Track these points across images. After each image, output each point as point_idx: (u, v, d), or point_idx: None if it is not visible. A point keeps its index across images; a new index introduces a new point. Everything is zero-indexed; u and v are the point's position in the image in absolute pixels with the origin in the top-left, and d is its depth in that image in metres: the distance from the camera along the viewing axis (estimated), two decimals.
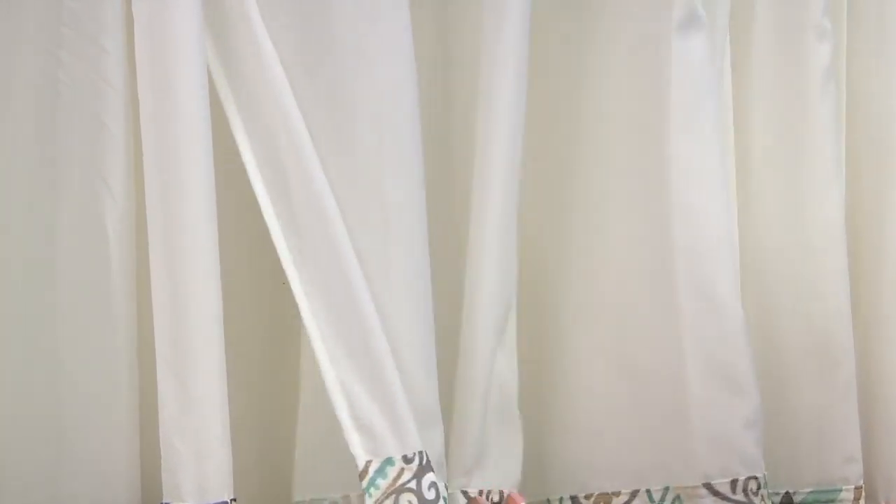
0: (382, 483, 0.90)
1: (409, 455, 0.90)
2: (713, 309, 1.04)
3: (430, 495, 0.90)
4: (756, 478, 1.02)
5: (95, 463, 0.91)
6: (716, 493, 1.02)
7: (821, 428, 1.08)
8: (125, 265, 0.92)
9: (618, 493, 1.01)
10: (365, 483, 0.90)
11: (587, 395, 1.05)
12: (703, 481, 1.02)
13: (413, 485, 0.90)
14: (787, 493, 1.08)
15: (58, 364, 0.91)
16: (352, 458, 0.94)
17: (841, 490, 1.06)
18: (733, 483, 1.02)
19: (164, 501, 0.88)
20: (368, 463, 0.90)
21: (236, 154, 0.94)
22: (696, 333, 1.03)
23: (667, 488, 1.04)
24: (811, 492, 1.07)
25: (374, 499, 0.90)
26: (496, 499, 0.96)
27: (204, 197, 0.89)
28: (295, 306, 0.95)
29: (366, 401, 0.90)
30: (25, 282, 0.92)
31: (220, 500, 0.88)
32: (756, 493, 1.02)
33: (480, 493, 0.96)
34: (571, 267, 1.07)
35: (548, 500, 1.04)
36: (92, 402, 0.91)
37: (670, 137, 1.03)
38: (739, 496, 1.02)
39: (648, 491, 1.03)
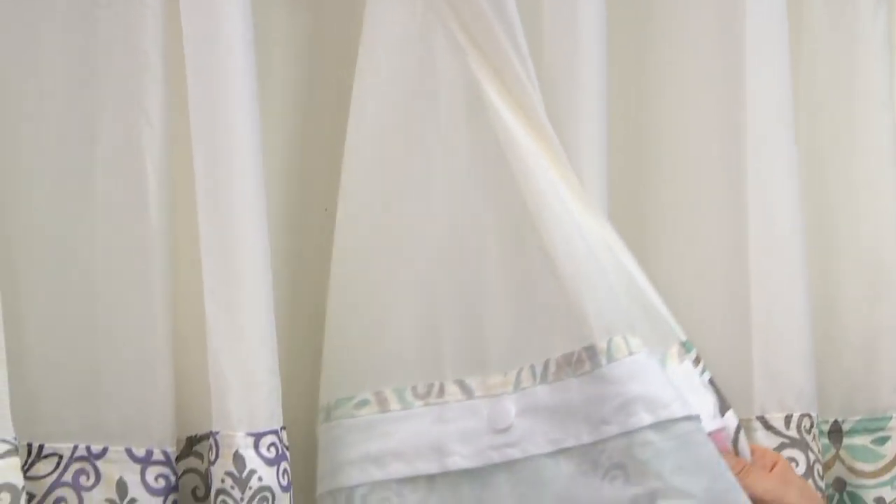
0: None
1: None
2: (777, 245, 1.03)
3: None
4: (810, 416, 1.02)
5: (129, 390, 0.90)
6: (769, 427, 1.02)
7: (870, 356, 1.07)
8: (163, 194, 0.91)
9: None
10: None
11: None
12: (758, 414, 1.02)
13: None
14: (835, 421, 1.08)
15: (93, 292, 0.90)
16: (380, 355, 0.97)
17: (891, 418, 1.05)
18: (787, 419, 1.02)
19: (213, 430, 0.89)
20: None
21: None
22: (761, 268, 1.03)
23: None
24: (860, 420, 1.07)
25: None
26: None
27: (250, 124, 0.89)
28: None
29: None
30: (62, 210, 0.90)
31: (271, 428, 0.89)
32: (808, 432, 1.02)
33: None
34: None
35: None
36: (126, 330, 0.90)
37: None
38: (793, 432, 1.02)
39: None
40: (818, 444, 1.03)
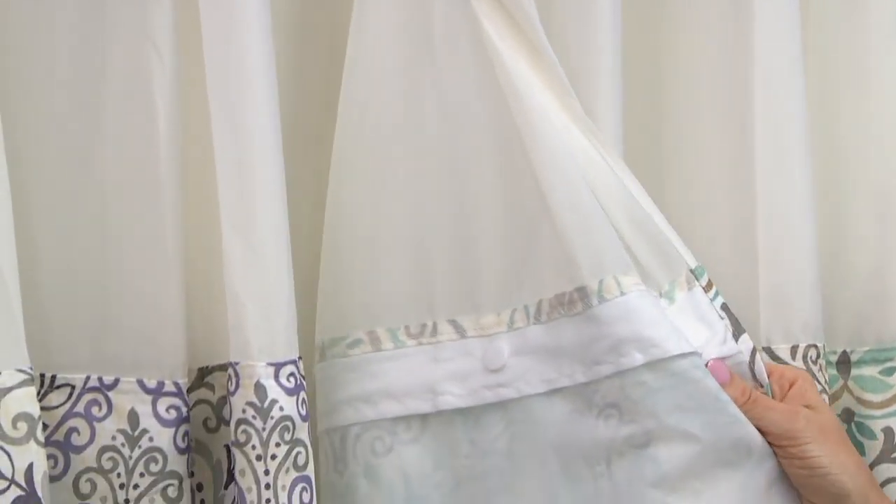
0: None
1: None
2: (784, 176, 1.04)
3: None
4: (816, 346, 1.03)
5: (140, 322, 0.90)
6: (775, 358, 1.03)
7: (878, 286, 1.07)
8: (172, 127, 0.90)
9: (722, 306, 1.00)
10: None
11: None
12: (764, 345, 1.03)
13: None
14: (843, 352, 1.08)
15: (103, 225, 0.90)
16: (373, 294, 0.98)
17: None
18: (793, 349, 1.03)
19: (231, 360, 0.89)
20: None
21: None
22: (769, 199, 1.03)
23: None
24: (868, 350, 1.07)
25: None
26: None
27: (265, 53, 0.89)
28: None
29: None
30: (73, 142, 0.90)
31: (290, 358, 0.89)
32: (815, 362, 1.02)
33: None
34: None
35: None
36: (137, 263, 0.90)
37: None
38: (798, 363, 1.02)
39: None
40: (825, 374, 1.03)
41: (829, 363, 1.07)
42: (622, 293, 0.93)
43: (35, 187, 0.89)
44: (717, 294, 0.98)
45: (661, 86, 1.10)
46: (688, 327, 0.95)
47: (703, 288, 0.97)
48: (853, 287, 1.09)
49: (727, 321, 0.97)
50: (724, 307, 0.97)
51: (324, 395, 1.01)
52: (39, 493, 0.79)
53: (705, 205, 1.07)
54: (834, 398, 1.07)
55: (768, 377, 0.97)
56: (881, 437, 1.05)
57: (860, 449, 1.06)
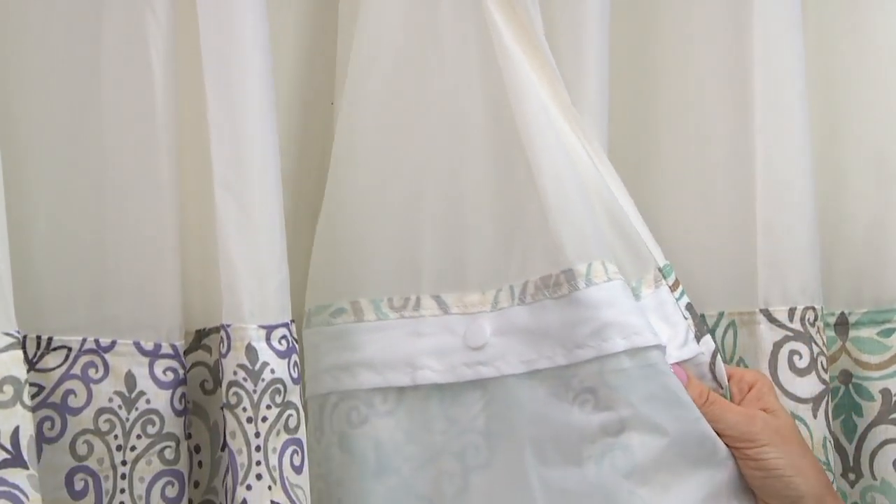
0: None
1: None
2: (783, 137, 1.03)
3: None
4: (814, 308, 1.02)
5: (137, 284, 0.90)
6: (772, 320, 1.02)
7: (876, 248, 1.07)
8: (168, 90, 0.90)
9: (687, 306, 1.00)
10: None
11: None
12: (762, 307, 1.03)
13: None
14: (841, 313, 1.08)
15: (100, 187, 0.90)
16: (360, 265, 0.98)
17: None
18: (791, 311, 1.02)
19: (224, 322, 0.89)
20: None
21: None
22: (767, 161, 1.03)
23: (721, 313, 1.05)
24: (866, 312, 1.07)
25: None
26: None
27: (260, 19, 0.89)
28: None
29: None
30: (67, 106, 0.89)
31: (281, 321, 0.90)
32: (813, 324, 1.02)
33: None
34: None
35: None
36: (134, 225, 0.90)
37: None
38: (796, 325, 1.02)
39: (702, 315, 1.04)
40: (823, 336, 1.03)
41: (827, 325, 1.07)
42: (609, 279, 0.93)
43: (30, 150, 0.88)
44: (682, 293, 0.98)
45: (657, 44, 1.09)
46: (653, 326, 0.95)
47: (670, 287, 0.98)
48: (851, 249, 1.08)
49: (690, 321, 0.97)
50: (689, 307, 0.98)
51: (308, 362, 1.02)
52: (25, 457, 0.78)
53: (703, 165, 1.07)
54: (832, 360, 1.07)
55: (728, 379, 0.98)
56: (879, 398, 1.05)
57: (858, 410, 1.06)
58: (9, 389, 0.79)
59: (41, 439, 0.86)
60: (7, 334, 0.80)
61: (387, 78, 0.99)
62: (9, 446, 0.78)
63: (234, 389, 0.88)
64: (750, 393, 0.97)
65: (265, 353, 0.88)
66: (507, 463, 0.96)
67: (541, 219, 0.94)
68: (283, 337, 0.90)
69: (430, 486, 0.98)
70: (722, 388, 0.98)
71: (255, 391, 0.88)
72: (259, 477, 0.87)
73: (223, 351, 0.89)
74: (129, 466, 0.89)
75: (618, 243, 0.97)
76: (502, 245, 0.97)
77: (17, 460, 0.78)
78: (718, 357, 0.97)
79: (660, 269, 0.98)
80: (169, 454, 0.89)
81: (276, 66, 0.92)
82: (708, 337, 0.97)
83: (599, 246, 0.94)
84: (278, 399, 0.88)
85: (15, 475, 0.78)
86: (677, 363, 0.95)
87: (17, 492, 0.78)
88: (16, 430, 0.79)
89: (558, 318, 0.94)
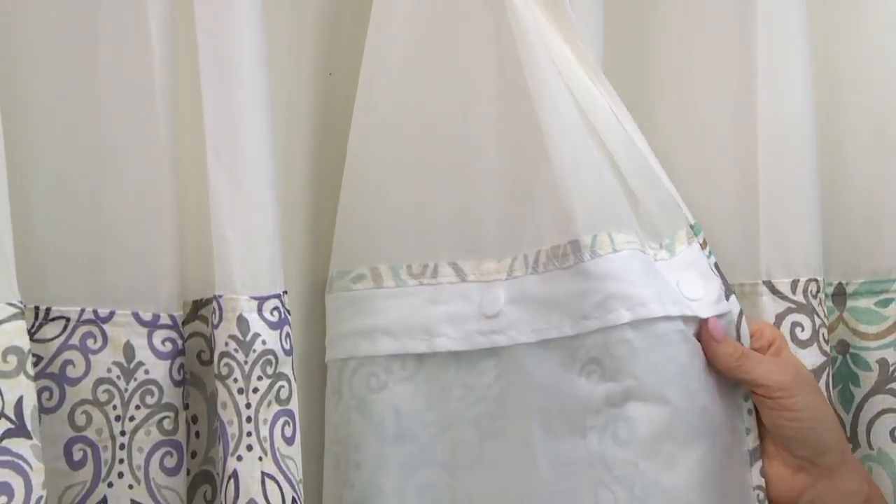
0: None
1: None
2: (785, 109, 1.03)
3: None
4: (816, 280, 1.02)
5: (135, 255, 0.90)
6: (775, 292, 1.02)
7: (874, 218, 1.07)
8: (166, 56, 0.90)
9: (715, 265, 1.00)
10: None
11: None
12: (764, 279, 1.02)
13: None
14: (839, 283, 1.08)
15: (99, 156, 0.90)
16: (380, 232, 0.99)
17: (894, 280, 1.05)
18: (794, 283, 1.02)
19: (216, 294, 0.89)
20: None
21: None
22: (769, 132, 1.02)
23: None
24: (864, 282, 1.07)
25: None
26: None
27: None
28: (342, 91, 0.97)
29: None
30: (64, 77, 0.89)
31: (273, 292, 0.90)
32: (815, 296, 1.02)
33: None
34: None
35: None
36: (132, 196, 0.90)
37: None
38: (799, 297, 1.02)
39: None
40: (824, 308, 1.03)
41: (826, 295, 1.06)
42: (615, 250, 0.93)
43: (27, 117, 0.88)
44: (710, 253, 0.98)
45: (657, 9, 1.08)
46: (688, 280, 0.95)
47: (700, 245, 0.97)
48: (849, 220, 1.08)
49: (720, 280, 0.96)
50: (716, 266, 0.97)
51: (330, 327, 1.02)
52: (29, 427, 0.79)
53: (706, 138, 1.06)
54: (830, 330, 1.07)
55: (751, 335, 0.98)
56: (876, 368, 1.05)
57: (855, 380, 1.06)
58: (12, 359, 0.80)
59: (39, 410, 0.86)
60: (10, 304, 0.81)
61: (404, 50, 0.99)
62: (13, 416, 0.79)
63: (225, 360, 0.88)
64: (771, 348, 0.97)
65: (256, 325, 0.89)
66: (516, 432, 0.96)
67: (551, 188, 0.94)
68: (275, 308, 0.90)
69: (447, 453, 0.99)
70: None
71: (246, 362, 0.88)
72: (250, 448, 0.87)
73: (215, 322, 0.89)
74: (127, 437, 0.89)
75: (650, 199, 0.97)
76: (517, 214, 0.97)
77: (20, 430, 0.79)
78: (744, 318, 0.97)
79: (691, 227, 0.98)
80: (168, 424, 0.90)
81: (271, 39, 0.91)
82: (734, 297, 0.97)
83: (610, 215, 0.94)
84: (269, 370, 0.89)
85: (19, 445, 0.79)
86: (716, 316, 0.95)
87: (21, 461, 0.79)
88: (20, 400, 0.79)
89: (566, 289, 0.94)
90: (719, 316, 0.95)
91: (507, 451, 0.97)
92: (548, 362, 0.95)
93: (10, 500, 0.78)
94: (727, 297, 0.96)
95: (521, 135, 0.96)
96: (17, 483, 0.78)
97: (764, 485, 0.96)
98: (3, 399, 0.79)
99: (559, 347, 0.94)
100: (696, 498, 0.93)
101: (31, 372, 0.80)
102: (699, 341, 0.94)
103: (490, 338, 0.97)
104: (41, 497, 0.79)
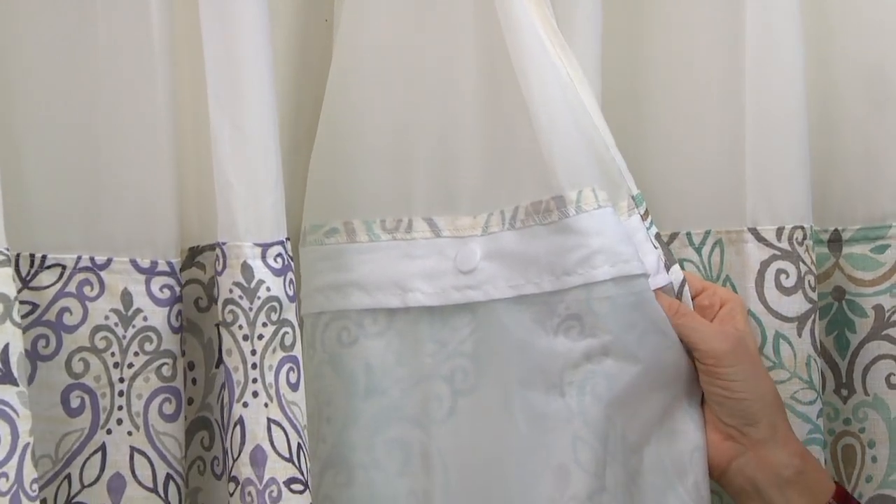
0: None
1: None
2: (774, 54, 1.02)
3: None
4: (802, 228, 1.03)
5: (132, 201, 0.90)
6: (760, 239, 1.03)
7: (870, 165, 1.07)
8: (165, 5, 0.89)
9: (656, 236, 1.01)
10: None
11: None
12: (749, 226, 1.03)
13: None
14: (835, 230, 1.08)
15: (94, 103, 0.89)
16: (354, 186, 0.99)
17: (890, 227, 1.05)
18: (779, 231, 1.03)
19: (219, 240, 0.89)
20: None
21: None
22: (757, 78, 1.02)
23: (708, 232, 1.05)
24: (859, 228, 1.07)
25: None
26: None
27: None
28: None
29: None
30: (61, 23, 0.88)
31: (277, 239, 0.90)
32: (801, 244, 1.02)
33: None
34: None
35: None
36: (129, 142, 0.90)
37: None
38: (784, 244, 1.02)
39: (689, 234, 1.04)
40: (811, 255, 1.03)
41: (819, 241, 1.07)
42: (599, 206, 0.93)
43: (21, 62, 0.87)
44: (651, 223, 0.98)
45: None
46: None
47: (641, 216, 0.97)
48: (845, 166, 1.08)
49: (661, 251, 0.97)
50: (658, 237, 0.98)
51: (303, 281, 1.02)
52: (15, 373, 0.78)
53: (693, 83, 1.06)
54: (825, 276, 1.07)
55: (701, 292, 0.99)
56: (872, 314, 1.06)
57: (850, 326, 1.07)
58: None
59: (35, 357, 0.86)
60: None
61: (384, 5, 0.98)
62: None
63: (229, 307, 0.88)
64: (722, 309, 0.98)
65: (260, 271, 0.89)
66: (492, 387, 0.96)
67: (532, 144, 0.94)
68: (279, 255, 0.90)
69: (418, 408, 0.99)
70: None
71: (250, 309, 0.88)
72: (255, 394, 0.88)
73: (219, 269, 0.89)
74: (126, 383, 0.89)
75: (593, 168, 0.96)
76: (494, 170, 0.97)
77: (6, 377, 0.78)
78: (686, 287, 0.97)
79: (633, 198, 0.98)
80: (166, 371, 0.90)
81: None
82: (676, 267, 0.97)
83: (589, 172, 0.94)
84: (274, 317, 0.89)
85: (5, 392, 0.78)
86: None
87: (6, 408, 0.78)
88: (5, 348, 0.79)
89: (547, 245, 0.94)
90: (656, 289, 0.95)
91: (482, 406, 0.97)
92: (524, 318, 0.95)
93: None
94: (668, 268, 0.97)
95: (499, 91, 0.96)
96: (4, 430, 0.78)
97: None
98: None
99: (537, 303, 0.95)
100: (653, 450, 0.95)
101: (19, 319, 0.79)
102: None
103: (465, 293, 0.97)
104: (28, 444, 0.78)
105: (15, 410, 0.78)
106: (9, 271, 0.80)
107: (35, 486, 0.79)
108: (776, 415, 0.96)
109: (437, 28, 0.98)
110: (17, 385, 0.79)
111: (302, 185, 1.02)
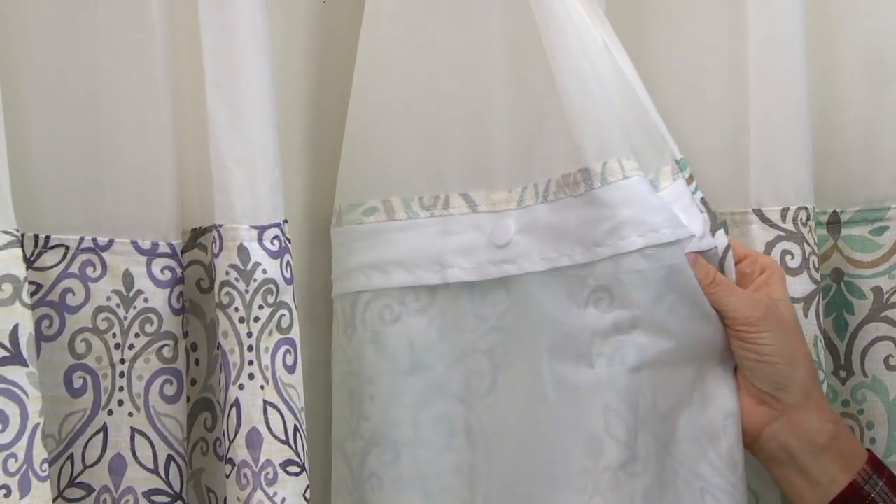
0: None
1: None
2: (776, 36, 1.02)
3: None
4: (806, 208, 1.03)
5: (133, 183, 0.90)
6: (765, 220, 1.03)
7: (869, 147, 1.07)
8: None
9: (702, 200, 1.00)
10: None
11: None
12: (754, 207, 1.03)
13: None
14: (834, 212, 1.08)
15: (96, 85, 0.90)
16: (391, 164, 0.98)
17: (889, 208, 1.06)
18: (784, 212, 1.03)
19: (216, 223, 0.89)
20: None
21: None
22: (760, 61, 1.02)
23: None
24: (858, 210, 1.07)
25: None
26: None
27: None
28: (339, 21, 0.98)
29: None
30: (63, 5, 0.89)
31: (274, 221, 0.90)
32: (805, 224, 1.02)
33: None
34: None
35: None
36: (131, 124, 0.90)
37: None
38: (789, 225, 1.02)
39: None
40: (814, 236, 1.03)
41: (819, 224, 1.07)
42: (625, 176, 0.93)
43: (27, 48, 0.88)
44: (697, 188, 0.98)
45: None
46: None
47: (686, 180, 0.97)
48: (844, 148, 1.08)
49: (706, 215, 0.96)
50: (703, 201, 0.97)
51: (338, 261, 1.03)
52: (24, 354, 0.79)
53: (697, 67, 1.06)
54: (824, 258, 1.07)
55: (743, 259, 0.98)
56: (870, 296, 1.06)
57: (849, 308, 1.07)
58: (7, 287, 0.80)
59: (39, 337, 0.87)
60: (5, 232, 0.81)
61: None
62: (8, 344, 0.79)
63: (226, 289, 0.89)
64: (760, 277, 0.98)
65: (257, 254, 0.89)
66: (526, 361, 0.96)
67: (560, 117, 0.94)
68: (276, 237, 0.90)
69: (460, 384, 1.00)
70: None
71: (247, 291, 0.88)
72: (251, 376, 0.88)
73: (215, 251, 0.89)
74: (127, 364, 0.90)
75: (637, 133, 0.96)
76: (527, 143, 0.97)
77: (16, 358, 0.79)
78: (730, 253, 0.97)
79: (676, 162, 0.98)
80: (167, 352, 0.90)
81: None
82: (721, 232, 0.97)
83: (618, 143, 0.94)
84: (270, 299, 0.89)
85: (14, 373, 0.79)
86: (693, 252, 0.94)
87: (16, 389, 0.79)
88: (15, 329, 0.80)
89: (577, 217, 0.94)
90: (703, 251, 0.95)
91: (518, 380, 0.97)
92: (557, 291, 0.95)
93: (6, 427, 0.78)
94: (713, 233, 0.96)
95: (528, 64, 0.96)
96: (13, 410, 0.79)
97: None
98: None
99: (569, 276, 0.94)
100: (683, 418, 0.95)
101: (28, 300, 0.80)
102: None
103: (501, 267, 0.97)
104: (38, 424, 0.79)
105: (24, 391, 0.79)
106: (18, 252, 0.81)
107: (45, 467, 0.80)
108: (809, 380, 0.96)
109: (466, 3, 0.98)
110: (26, 366, 0.80)
111: (301, 167, 1.02)
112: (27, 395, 0.79)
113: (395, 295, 1.00)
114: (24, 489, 0.79)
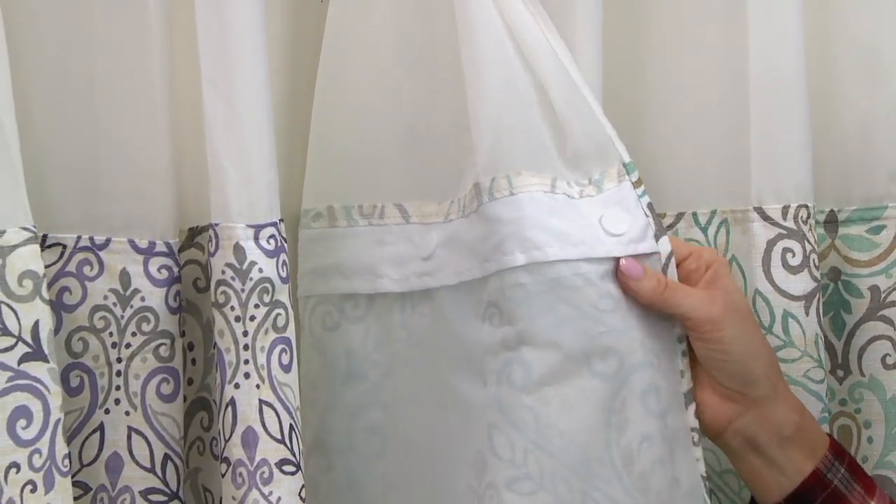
0: None
1: None
2: (776, 35, 1.02)
3: None
4: (807, 206, 1.02)
5: (130, 182, 0.90)
6: (766, 218, 1.02)
7: (866, 145, 1.06)
8: None
9: (663, 216, 1.00)
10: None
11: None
12: (755, 205, 1.03)
13: None
14: (831, 211, 1.08)
15: (93, 85, 0.90)
16: (336, 171, 0.99)
17: (886, 207, 1.05)
18: (784, 209, 1.02)
19: (213, 222, 0.89)
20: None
21: None
22: (761, 58, 1.02)
23: (714, 211, 1.05)
24: (855, 209, 1.07)
25: None
26: None
27: None
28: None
29: None
30: (61, 6, 0.89)
31: (270, 220, 0.90)
32: (805, 222, 1.02)
33: None
34: None
35: None
36: (127, 123, 0.90)
37: None
38: (790, 223, 1.02)
39: (695, 214, 1.04)
40: (814, 234, 1.03)
41: (816, 223, 1.06)
42: (511, 193, 0.92)
43: (23, 47, 0.88)
44: (644, 193, 0.95)
45: None
46: (612, 216, 0.93)
47: (633, 184, 0.96)
48: (842, 147, 1.08)
49: (651, 220, 0.95)
50: (650, 206, 0.95)
51: (299, 263, 1.03)
52: (45, 350, 0.80)
53: (698, 64, 1.06)
54: (821, 257, 1.07)
55: (687, 257, 0.96)
56: (868, 295, 1.06)
57: (846, 307, 1.07)
58: (28, 283, 0.81)
59: None
60: (24, 228, 0.81)
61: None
62: (30, 340, 0.80)
63: (222, 288, 0.89)
64: (707, 273, 0.96)
65: (253, 253, 0.89)
66: (437, 376, 0.96)
67: (467, 131, 0.94)
68: (272, 236, 0.90)
69: (391, 394, 1.00)
70: None
71: (242, 290, 0.88)
72: (247, 376, 0.88)
73: (211, 250, 0.89)
74: (124, 363, 0.90)
75: (579, 132, 0.94)
76: (455, 157, 0.96)
77: (38, 353, 0.80)
78: (672, 260, 0.95)
79: (624, 165, 0.97)
80: (164, 351, 0.90)
81: None
82: (665, 238, 0.94)
83: (517, 155, 0.93)
84: (266, 298, 0.89)
85: (37, 368, 0.80)
86: (633, 256, 0.93)
87: (39, 385, 0.80)
88: (36, 324, 0.80)
89: (474, 232, 0.93)
90: (644, 256, 0.93)
91: (431, 395, 0.97)
92: (463, 306, 0.94)
93: (30, 423, 0.79)
94: (657, 239, 0.94)
95: (459, 76, 0.95)
96: (36, 406, 0.80)
97: (698, 426, 0.94)
98: (20, 323, 0.80)
99: (472, 291, 0.94)
100: (594, 439, 0.91)
101: (46, 296, 0.81)
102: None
103: (423, 280, 0.97)
104: (59, 420, 0.80)
105: (46, 387, 0.80)
106: (37, 248, 0.82)
107: (66, 462, 0.81)
108: (773, 370, 0.95)
109: (412, 16, 0.98)
110: (47, 362, 0.81)
111: (297, 166, 1.03)
112: (49, 391, 0.80)
113: (336, 301, 1.01)
114: (49, 484, 0.80)
